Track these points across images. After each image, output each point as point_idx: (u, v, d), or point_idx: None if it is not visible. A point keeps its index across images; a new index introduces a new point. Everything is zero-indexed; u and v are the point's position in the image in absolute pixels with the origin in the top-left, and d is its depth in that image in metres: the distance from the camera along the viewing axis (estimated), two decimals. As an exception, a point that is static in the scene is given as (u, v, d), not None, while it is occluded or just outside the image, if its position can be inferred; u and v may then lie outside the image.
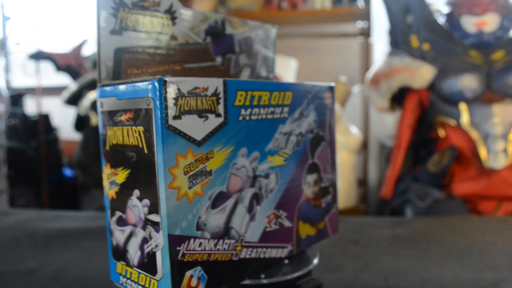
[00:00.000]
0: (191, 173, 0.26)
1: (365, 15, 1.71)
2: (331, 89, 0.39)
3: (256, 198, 0.31)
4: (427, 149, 1.26)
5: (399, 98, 1.22)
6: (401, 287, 0.53)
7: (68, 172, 2.07)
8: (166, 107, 0.25)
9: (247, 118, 0.29)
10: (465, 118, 1.10)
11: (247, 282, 0.36)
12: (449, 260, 0.60)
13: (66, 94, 1.76)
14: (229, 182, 0.29)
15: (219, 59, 0.37)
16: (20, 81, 2.19)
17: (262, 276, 0.37)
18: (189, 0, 1.64)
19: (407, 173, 1.25)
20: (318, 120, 0.36)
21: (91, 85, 1.67)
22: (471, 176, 1.10)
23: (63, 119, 2.15)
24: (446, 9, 1.21)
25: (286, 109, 0.33)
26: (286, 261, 0.36)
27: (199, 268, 0.27)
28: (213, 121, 0.27)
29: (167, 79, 0.25)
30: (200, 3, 1.72)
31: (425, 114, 1.20)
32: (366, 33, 1.76)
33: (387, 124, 1.52)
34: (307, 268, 0.37)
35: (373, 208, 1.88)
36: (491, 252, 0.63)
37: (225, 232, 0.29)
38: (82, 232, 0.75)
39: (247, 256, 0.31)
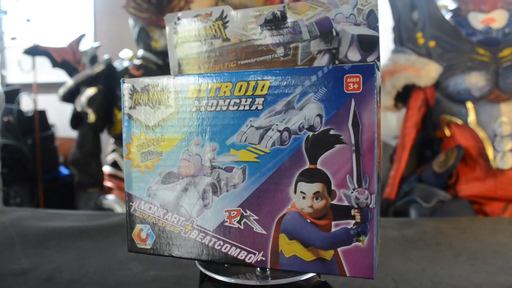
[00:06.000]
0: (144, 150, 0.35)
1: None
2: (364, 70, 0.28)
3: (213, 188, 0.33)
4: (432, 149, 1.24)
5: (403, 96, 1.20)
6: (412, 290, 0.50)
7: (64, 170, 2.04)
8: (124, 101, 0.35)
9: (202, 109, 0.32)
10: (472, 117, 1.08)
11: (254, 283, 0.34)
12: (461, 263, 0.58)
13: (62, 90, 1.73)
14: (180, 166, 0.33)
15: (280, 51, 0.37)
16: (15, 77, 2.16)
17: (269, 278, 0.35)
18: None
19: (411, 173, 1.22)
20: (327, 114, 0.30)
21: (89, 81, 1.64)
22: (478, 177, 1.08)
23: (59, 116, 2.12)
24: (453, 5, 1.18)
25: (259, 100, 0.31)
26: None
27: (148, 226, 0.35)
28: (164, 112, 0.34)
29: (125, 80, 0.35)
30: (200, 1, 1.69)
31: (430, 113, 1.18)
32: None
33: (391, 124, 1.50)
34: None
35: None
36: (504, 254, 0.61)
37: (174, 207, 0.34)
38: (78, 231, 0.73)
39: (199, 240, 0.33)
